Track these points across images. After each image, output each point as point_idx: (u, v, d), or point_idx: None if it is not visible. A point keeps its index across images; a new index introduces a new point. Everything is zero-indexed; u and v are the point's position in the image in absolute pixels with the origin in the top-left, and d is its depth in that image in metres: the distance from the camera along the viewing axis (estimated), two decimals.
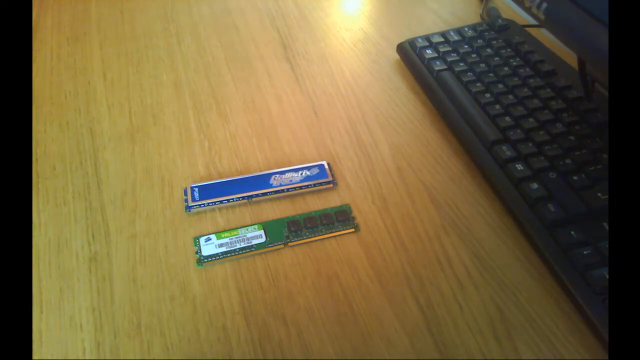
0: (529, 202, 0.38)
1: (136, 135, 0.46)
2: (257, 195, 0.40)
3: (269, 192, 0.40)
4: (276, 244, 0.37)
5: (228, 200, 0.39)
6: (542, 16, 0.39)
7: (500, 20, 0.55)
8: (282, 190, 0.40)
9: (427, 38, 0.54)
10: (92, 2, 0.61)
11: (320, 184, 0.41)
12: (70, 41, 0.56)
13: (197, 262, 0.36)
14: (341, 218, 0.39)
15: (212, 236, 0.37)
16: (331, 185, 0.41)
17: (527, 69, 0.48)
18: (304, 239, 0.38)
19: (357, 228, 0.39)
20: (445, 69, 0.50)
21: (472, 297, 0.35)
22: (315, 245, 0.38)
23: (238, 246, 0.37)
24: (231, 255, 0.36)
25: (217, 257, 0.36)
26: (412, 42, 0.54)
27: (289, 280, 0.36)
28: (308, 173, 0.41)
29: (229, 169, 0.43)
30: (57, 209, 0.40)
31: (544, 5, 0.39)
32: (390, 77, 0.53)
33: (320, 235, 0.38)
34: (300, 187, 0.40)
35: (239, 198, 0.40)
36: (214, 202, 0.39)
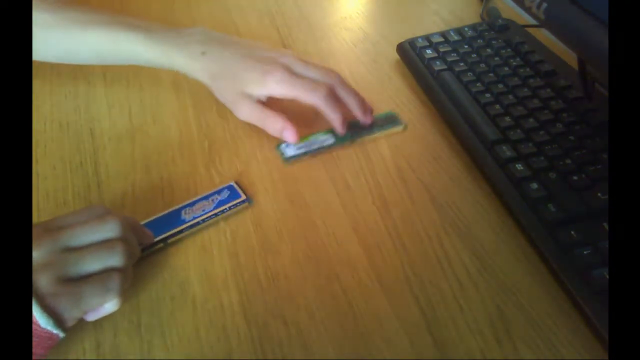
0: (529, 202, 0.38)
1: (136, 135, 0.46)
2: (172, 236, 0.37)
3: (184, 229, 0.37)
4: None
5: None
6: (542, 16, 0.39)
7: (500, 20, 0.55)
8: (198, 223, 0.38)
9: (427, 38, 0.54)
10: (92, 2, 0.61)
11: (236, 205, 0.39)
12: None
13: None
14: (390, 120, 0.46)
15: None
16: (246, 204, 0.40)
17: (527, 69, 0.48)
18: (364, 136, 0.45)
19: (405, 127, 0.46)
20: (445, 69, 0.50)
21: (472, 297, 0.35)
22: (315, 245, 0.38)
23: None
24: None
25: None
26: (412, 42, 0.54)
27: (289, 280, 0.36)
28: (219, 197, 0.39)
29: (228, 169, 0.43)
30: (57, 209, 0.40)
31: (544, 5, 0.39)
32: (390, 77, 0.53)
33: (377, 133, 0.45)
34: (216, 214, 0.38)
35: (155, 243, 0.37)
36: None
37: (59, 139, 0.45)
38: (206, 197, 0.39)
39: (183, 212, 0.38)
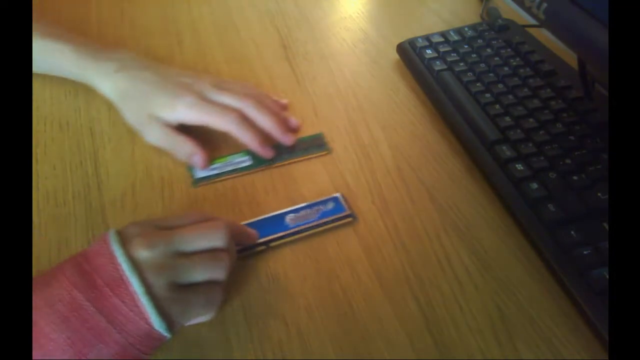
0: (529, 202, 0.38)
1: (136, 136, 0.46)
2: (274, 240, 0.37)
3: (287, 235, 0.38)
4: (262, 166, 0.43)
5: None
6: (542, 16, 0.39)
7: (500, 20, 0.55)
8: (301, 231, 0.38)
9: (427, 38, 0.54)
10: (92, 2, 0.61)
11: (339, 218, 0.39)
12: None
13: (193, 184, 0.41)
14: (316, 143, 0.44)
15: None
16: (350, 219, 0.39)
17: (527, 69, 0.48)
18: (284, 160, 0.43)
19: (329, 151, 0.44)
20: (445, 69, 0.50)
21: (472, 297, 0.35)
22: (315, 245, 0.38)
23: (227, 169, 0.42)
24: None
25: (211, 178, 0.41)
26: (412, 42, 0.54)
27: (289, 280, 0.36)
28: (323, 208, 0.39)
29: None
30: (57, 209, 0.40)
31: (544, 5, 0.39)
32: (390, 77, 0.53)
33: (298, 157, 0.43)
34: (319, 225, 0.38)
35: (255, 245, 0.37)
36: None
37: (59, 139, 0.45)
38: (311, 206, 0.39)
39: (287, 217, 0.38)
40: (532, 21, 0.47)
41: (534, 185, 0.38)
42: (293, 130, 0.46)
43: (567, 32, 0.38)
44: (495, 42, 0.52)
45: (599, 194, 0.37)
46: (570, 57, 0.50)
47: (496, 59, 0.50)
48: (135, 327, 0.27)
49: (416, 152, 0.45)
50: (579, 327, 0.33)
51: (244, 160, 0.43)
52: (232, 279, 0.35)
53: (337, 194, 0.40)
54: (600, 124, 0.42)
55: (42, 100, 0.48)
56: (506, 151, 0.41)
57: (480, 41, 0.53)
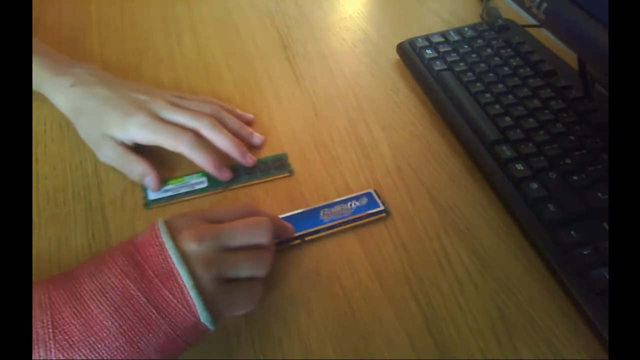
0: (529, 202, 0.38)
1: None
2: (309, 234, 0.38)
3: (321, 229, 0.38)
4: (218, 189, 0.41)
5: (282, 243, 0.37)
6: (542, 16, 0.39)
7: (500, 20, 0.55)
8: (335, 225, 0.38)
9: (427, 38, 0.54)
10: (92, 2, 0.61)
11: (373, 214, 0.39)
12: (70, 41, 0.56)
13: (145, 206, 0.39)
14: (277, 165, 0.42)
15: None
16: (384, 214, 0.39)
17: (527, 69, 0.48)
18: (242, 182, 0.41)
19: (291, 172, 0.42)
20: (445, 69, 0.50)
21: (472, 297, 0.35)
22: (315, 245, 0.38)
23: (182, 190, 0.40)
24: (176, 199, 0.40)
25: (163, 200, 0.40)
26: (412, 42, 0.54)
27: (289, 280, 0.36)
28: (357, 204, 0.39)
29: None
30: (57, 209, 0.40)
31: (544, 5, 0.39)
32: (390, 77, 0.53)
33: (258, 179, 0.42)
34: (354, 220, 0.38)
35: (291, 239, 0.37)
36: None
37: (59, 139, 0.45)
38: (345, 201, 0.39)
39: (322, 212, 0.39)
40: (532, 21, 0.47)
41: (534, 185, 0.38)
42: (256, 147, 0.44)
43: (567, 32, 0.38)
44: (495, 42, 0.52)
45: (599, 194, 0.37)
46: (570, 57, 0.50)
47: (496, 59, 0.50)
48: (183, 319, 0.28)
49: (416, 152, 0.45)
50: (579, 327, 0.33)
51: (200, 182, 0.41)
52: None
53: (371, 190, 0.40)
54: (600, 124, 0.42)
55: (42, 100, 0.48)
56: (506, 151, 0.41)
57: (480, 41, 0.53)
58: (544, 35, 0.56)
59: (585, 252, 0.34)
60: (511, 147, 0.42)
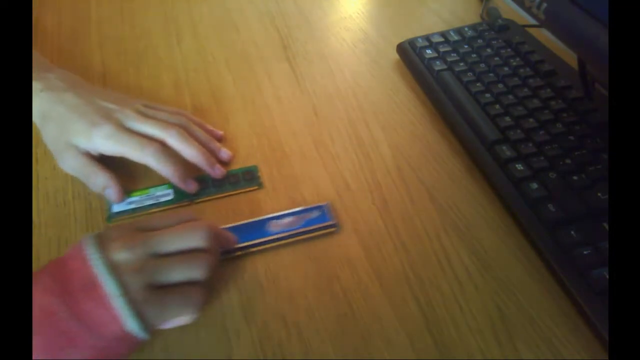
0: (529, 202, 0.38)
1: None
2: (254, 245, 0.37)
3: (268, 241, 0.37)
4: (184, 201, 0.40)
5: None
6: (542, 16, 0.39)
7: (500, 20, 0.55)
8: (282, 238, 0.37)
9: (427, 38, 0.54)
10: (92, 2, 0.61)
11: (322, 228, 0.38)
12: (70, 41, 0.56)
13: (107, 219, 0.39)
14: (248, 177, 0.41)
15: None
16: (333, 229, 0.38)
17: (527, 69, 0.48)
18: (210, 195, 0.40)
19: (260, 186, 0.41)
20: (445, 69, 0.50)
21: (472, 297, 0.35)
22: (315, 245, 0.38)
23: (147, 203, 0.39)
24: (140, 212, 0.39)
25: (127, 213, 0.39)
26: (412, 42, 0.54)
27: (289, 280, 0.36)
28: (308, 216, 0.38)
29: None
30: (57, 209, 0.40)
31: (544, 5, 0.39)
32: (390, 77, 0.53)
33: (226, 192, 0.40)
34: (303, 232, 0.37)
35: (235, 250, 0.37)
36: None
37: None
38: (296, 213, 0.38)
39: (270, 223, 0.38)
40: (532, 21, 0.47)
41: (534, 185, 0.38)
42: (224, 162, 0.43)
43: (567, 32, 0.38)
44: (495, 42, 0.52)
45: (599, 194, 0.37)
46: (570, 57, 0.50)
47: (496, 59, 0.50)
48: (109, 329, 0.27)
49: (416, 152, 0.45)
50: (579, 327, 0.33)
51: (166, 194, 0.40)
52: (232, 279, 0.36)
53: (325, 203, 0.39)
54: (600, 124, 0.42)
55: None
56: (506, 151, 0.41)
57: (480, 41, 0.53)
58: (544, 35, 0.56)
59: (585, 252, 0.34)
60: (511, 147, 0.42)
